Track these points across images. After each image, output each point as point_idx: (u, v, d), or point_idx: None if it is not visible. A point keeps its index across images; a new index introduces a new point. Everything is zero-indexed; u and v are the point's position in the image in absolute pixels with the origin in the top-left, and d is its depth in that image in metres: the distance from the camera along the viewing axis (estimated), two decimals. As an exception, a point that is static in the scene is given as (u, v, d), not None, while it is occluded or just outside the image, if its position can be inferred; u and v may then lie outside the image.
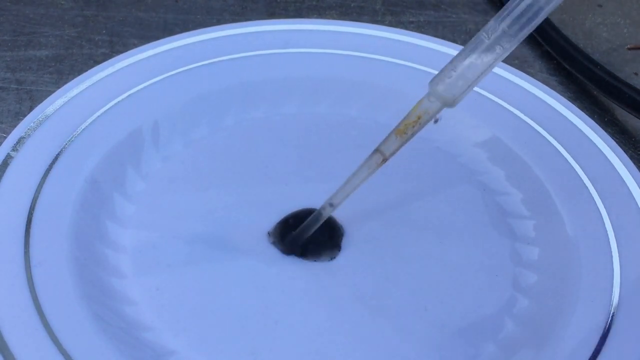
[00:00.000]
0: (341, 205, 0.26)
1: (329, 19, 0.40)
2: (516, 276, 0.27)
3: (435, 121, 0.24)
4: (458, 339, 0.25)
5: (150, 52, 0.33)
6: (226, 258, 0.27)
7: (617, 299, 0.25)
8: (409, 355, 0.24)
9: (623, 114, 0.35)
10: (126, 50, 0.33)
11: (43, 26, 0.38)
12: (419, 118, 0.23)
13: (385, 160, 0.24)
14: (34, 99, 0.31)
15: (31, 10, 0.40)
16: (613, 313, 0.24)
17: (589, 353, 0.23)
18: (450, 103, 0.23)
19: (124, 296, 0.25)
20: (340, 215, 0.28)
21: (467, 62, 0.22)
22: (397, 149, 0.24)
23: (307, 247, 0.27)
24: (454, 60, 0.23)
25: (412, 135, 0.24)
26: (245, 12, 0.41)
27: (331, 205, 0.26)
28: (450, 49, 0.34)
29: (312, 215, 0.26)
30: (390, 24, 0.41)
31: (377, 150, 0.24)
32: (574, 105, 0.32)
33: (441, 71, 0.23)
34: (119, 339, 0.23)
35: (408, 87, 0.32)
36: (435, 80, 0.23)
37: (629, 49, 0.40)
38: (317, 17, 0.41)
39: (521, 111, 0.32)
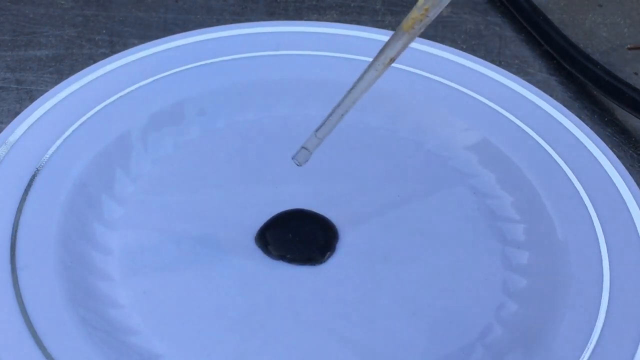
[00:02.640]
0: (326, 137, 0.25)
1: (328, 19, 0.40)
2: (506, 280, 0.27)
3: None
4: (446, 343, 0.25)
5: (140, 54, 0.32)
6: (215, 261, 0.27)
7: (607, 304, 0.24)
8: (397, 359, 0.24)
9: (623, 114, 0.35)
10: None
11: (43, 26, 0.38)
12: (426, 10, 0.22)
13: (390, 62, 0.23)
14: (34, 99, 0.31)
15: (31, 10, 0.40)
16: (602, 319, 0.24)
17: (578, 359, 0.23)
18: None
19: (110, 299, 0.25)
20: (330, 217, 0.28)
21: None
22: (406, 46, 0.23)
23: (298, 249, 0.27)
24: None
25: (420, 30, 0.22)
26: (245, 12, 0.41)
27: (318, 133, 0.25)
28: (443, 52, 0.34)
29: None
30: (390, 24, 0.40)
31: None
32: (565, 108, 0.32)
33: None
34: (105, 343, 0.23)
35: (400, 89, 0.32)
36: None
37: (629, 49, 0.40)
38: (316, 17, 0.41)
39: (512, 114, 0.31)
